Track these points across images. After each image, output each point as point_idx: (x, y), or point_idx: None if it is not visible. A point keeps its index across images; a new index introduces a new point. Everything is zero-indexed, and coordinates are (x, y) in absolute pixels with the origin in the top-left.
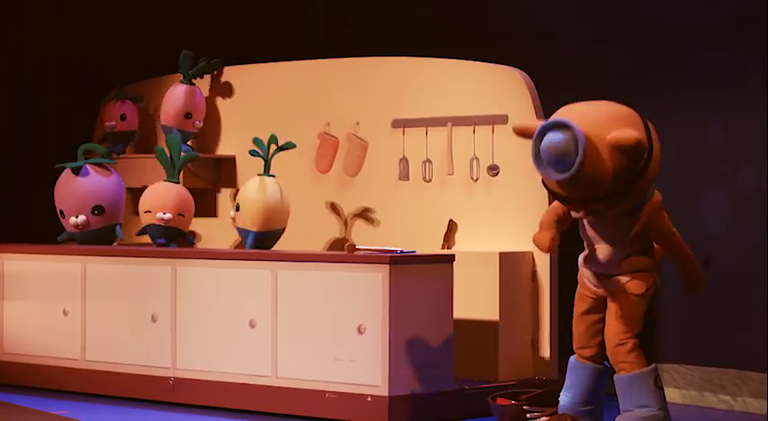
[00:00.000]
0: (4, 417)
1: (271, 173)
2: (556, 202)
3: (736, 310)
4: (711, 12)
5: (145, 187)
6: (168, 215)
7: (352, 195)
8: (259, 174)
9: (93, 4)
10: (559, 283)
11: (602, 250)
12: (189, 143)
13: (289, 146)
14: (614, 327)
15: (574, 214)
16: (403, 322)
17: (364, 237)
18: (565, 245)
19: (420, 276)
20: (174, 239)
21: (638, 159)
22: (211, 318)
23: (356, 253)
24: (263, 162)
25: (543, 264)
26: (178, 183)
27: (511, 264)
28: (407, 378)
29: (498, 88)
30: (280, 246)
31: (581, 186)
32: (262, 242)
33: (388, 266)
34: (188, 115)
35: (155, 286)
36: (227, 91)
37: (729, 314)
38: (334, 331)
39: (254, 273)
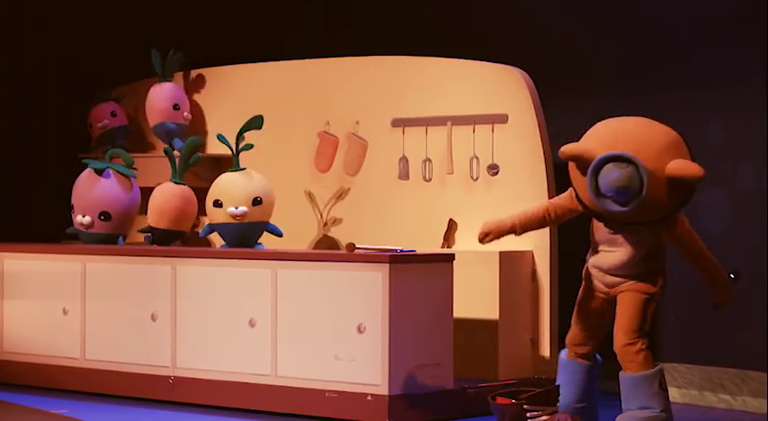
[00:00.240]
0: (4, 416)
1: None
2: (555, 203)
3: (735, 310)
4: (711, 11)
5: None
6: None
7: (352, 194)
8: (232, 170)
9: (92, 5)
10: (559, 283)
11: (619, 254)
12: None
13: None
14: (624, 327)
15: (604, 231)
16: (403, 321)
17: (364, 236)
18: (564, 244)
19: (420, 275)
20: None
21: (692, 187)
22: (211, 318)
23: (356, 252)
24: (258, 158)
25: (543, 263)
26: (182, 183)
27: (511, 264)
28: (407, 377)
29: (498, 87)
30: (280, 245)
31: (635, 214)
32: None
33: (387, 265)
34: (176, 106)
35: (155, 285)
36: (226, 91)
37: (729, 313)
38: (334, 330)
39: (254, 272)
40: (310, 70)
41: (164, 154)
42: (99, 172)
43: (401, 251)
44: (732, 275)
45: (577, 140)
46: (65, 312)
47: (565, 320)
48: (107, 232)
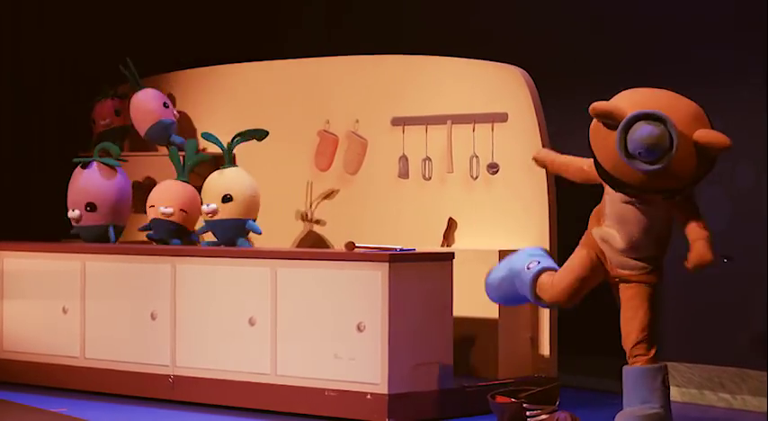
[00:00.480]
0: (3, 415)
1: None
2: (579, 164)
3: (735, 309)
4: (711, 10)
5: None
6: (170, 209)
7: (352, 193)
8: (223, 167)
9: (92, 3)
10: None
11: (629, 232)
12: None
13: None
14: (638, 322)
15: (624, 199)
16: (402, 320)
17: (363, 235)
18: (564, 239)
19: (420, 274)
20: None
21: (715, 158)
22: (211, 316)
23: (356, 251)
24: (258, 157)
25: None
26: (187, 182)
27: None
28: (407, 376)
29: (498, 86)
30: (280, 244)
31: (661, 179)
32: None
33: (387, 264)
34: (165, 104)
35: (154, 284)
36: (226, 89)
37: (729, 312)
38: (334, 329)
39: (254, 270)
40: (310, 69)
41: (168, 155)
42: (84, 166)
43: (401, 250)
44: (725, 259)
45: (577, 138)
46: (64, 311)
47: (564, 319)
48: (96, 223)
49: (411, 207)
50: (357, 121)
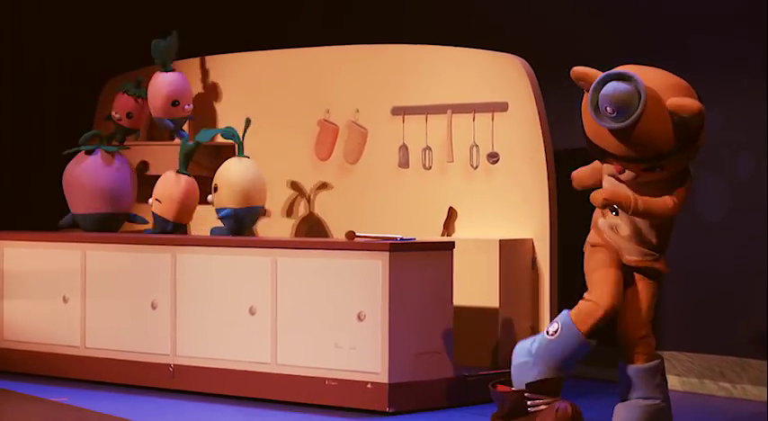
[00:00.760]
0: (4, 405)
1: (245, 154)
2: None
3: (735, 298)
4: None
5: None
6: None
7: (352, 183)
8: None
9: None
10: (559, 271)
11: (634, 218)
12: (184, 129)
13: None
14: (642, 318)
15: (608, 171)
16: (403, 309)
17: (364, 225)
18: (564, 233)
19: (420, 263)
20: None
21: (693, 129)
22: (211, 306)
23: (356, 240)
24: (259, 146)
25: (543, 251)
26: (186, 174)
27: (511, 252)
28: (407, 365)
29: (498, 75)
30: (280, 234)
31: (632, 142)
32: (240, 220)
33: (387, 254)
34: (175, 102)
35: (154, 273)
36: (226, 78)
37: (729, 302)
38: (334, 318)
39: (254, 260)
40: (310, 58)
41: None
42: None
43: (401, 239)
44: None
45: (577, 127)
46: (65, 300)
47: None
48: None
49: (411, 196)
50: (357, 111)
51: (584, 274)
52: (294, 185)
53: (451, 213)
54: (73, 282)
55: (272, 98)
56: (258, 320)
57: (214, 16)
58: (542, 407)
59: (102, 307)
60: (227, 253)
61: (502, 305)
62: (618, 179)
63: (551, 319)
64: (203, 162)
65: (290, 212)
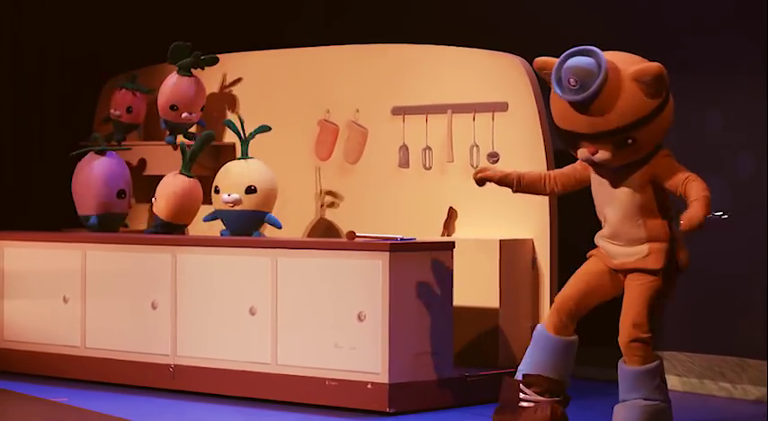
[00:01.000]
0: (4, 405)
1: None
2: (557, 171)
3: (735, 298)
4: None
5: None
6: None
7: (352, 183)
8: (239, 158)
9: None
10: (559, 270)
11: (615, 211)
12: (192, 130)
13: (264, 129)
14: (633, 319)
15: (583, 156)
16: (403, 309)
17: (364, 225)
18: (564, 232)
19: (420, 263)
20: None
21: (657, 93)
22: (211, 306)
23: (356, 240)
24: (259, 146)
25: (543, 251)
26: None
27: (511, 252)
28: (407, 365)
29: (498, 75)
30: (280, 234)
31: (598, 113)
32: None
33: (388, 254)
34: (173, 107)
35: (155, 274)
36: (227, 79)
37: (729, 302)
38: (335, 318)
39: (255, 260)
40: (310, 58)
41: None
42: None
43: (401, 239)
44: (724, 216)
45: None
46: (65, 300)
47: None
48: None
49: (411, 196)
50: (357, 111)
51: None
52: (304, 191)
53: (452, 213)
54: (73, 282)
55: (273, 98)
56: (258, 320)
57: (214, 16)
58: (529, 404)
59: (102, 307)
60: (227, 253)
61: (502, 305)
62: (593, 163)
63: None
64: (204, 162)
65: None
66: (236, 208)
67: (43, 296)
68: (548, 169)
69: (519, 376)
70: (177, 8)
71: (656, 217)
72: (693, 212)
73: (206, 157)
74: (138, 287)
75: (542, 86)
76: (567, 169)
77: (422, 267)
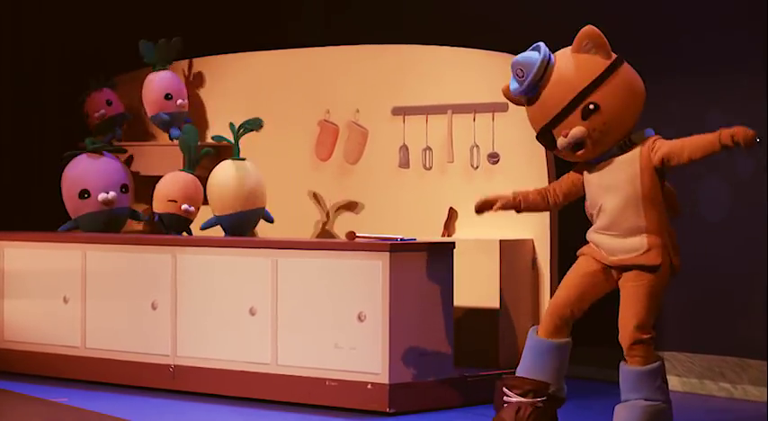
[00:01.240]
0: (4, 405)
1: (241, 157)
2: (554, 184)
3: (735, 298)
4: None
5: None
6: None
7: (353, 183)
8: (232, 159)
9: None
10: (560, 271)
11: (614, 199)
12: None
13: (255, 125)
14: (635, 320)
15: (562, 144)
16: (403, 310)
17: (364, 225)
18: (564, 232)
19: (420, 264)
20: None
21: (599, 52)
22: (212, 306)
23: (356, 240)
24: (259, 147)
25: (543, 251)
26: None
27: (511, 252)
28: (407, 365)
29: (498, 76)
30: (280, 234)
31: (552, 96)
32: (238, 225)
33: (388, 254)
34: (168, 96)
35: (155, 274)
36: (227, 79)
37: (729, 302)
38: (335, 319)
39: (254, 260)
40: (310, 58)
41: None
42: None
43: (401, 239)
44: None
45: None
46: (65, 301)
47: None
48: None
49: (411, 197)
50: (357, 111)
51: None
52: (315, 197)
53: (452, 214)
54: (73, 283)
55: (273, 98)
56: (258, 321)
57: (215, 17)
58: (509, 405)
59: (102, 307)
60: (227, 253)
61: (502, 305)
62: (574, 145)
63: None
64: (202, 162)
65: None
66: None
67: (43, 296)
68: (548, 170)
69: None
70: (178, 9)
71: (656, 208)
72: (741, 128)
73: (207, 158)
74: (138, 287)
75: None
76: (564, 179)
77: (422, 267)
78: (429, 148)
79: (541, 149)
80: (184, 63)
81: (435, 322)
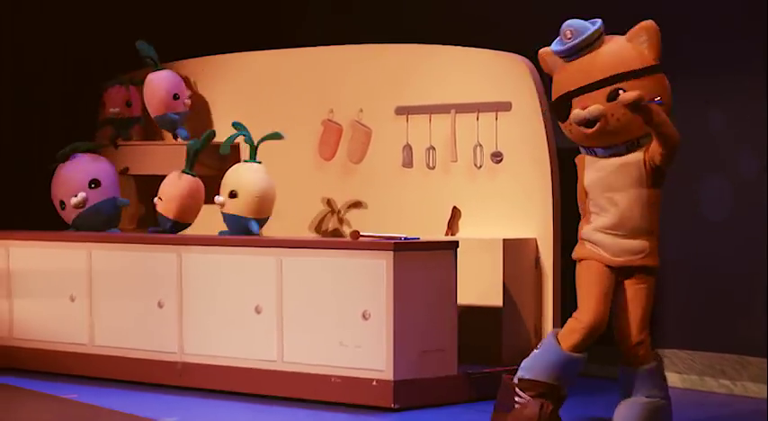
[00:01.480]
0: (14, 401)
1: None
2: (580, 193)
3: (736, 296)
4: None
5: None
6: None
7: (356, 182)
8: (246, 161)
9: None
10: (563, 270)
11: (626, 195)
12: (184, 126)
13: (276, 138)
14: (639, 322)
15: (576, 117)
16: (407, 308)
17: (368, 224)
18: (568, 232)
19: (424, 263)
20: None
21: (650, 47)
22: (217, 304)
23: (360, 239)
24: (262, 147)
25: (547, 250)
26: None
27: (515, 251)
28: (412, 363)
29: (502, 75)
30: (285, 233)
31: (588, 66)
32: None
33: (392, 253)
34: (175, 96)
35: (160, 272)
36: (229, 79)
37: (729, 301)
38: (339, 317)
39: (260, 259)
40: (314, 58)
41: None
42: (63, 158)
43: (405, 239)
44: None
45: None
46: (72, 299)
47: (568, 307)
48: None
49: (415, 196)
50: (361, 111)
51: None
52: (308, 191)
53: (455, 213)
54: (79, 282)
55: (276, 98)
56: (264, 319)
57: (216, 17)
58: (517, 405)
59: (109, 306)
60: (232, 252)
61: (505, 304)
62: (585, 121)
63: (554, 318)
64: (206, 161)
65: (318, 228)
66: (224, 211)
67: (50, 295)
68: (551, 169)
69: (521, 373)
70: (178, 9)
71: (657, 211)
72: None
73: (211, 157)
74: (145, 286)
75: (546, 86)
76: (580, 191)
77: (426, 266)
78: (432, 148)
79: (544, 148)
80: (185, 62)
81: (439, 320)
